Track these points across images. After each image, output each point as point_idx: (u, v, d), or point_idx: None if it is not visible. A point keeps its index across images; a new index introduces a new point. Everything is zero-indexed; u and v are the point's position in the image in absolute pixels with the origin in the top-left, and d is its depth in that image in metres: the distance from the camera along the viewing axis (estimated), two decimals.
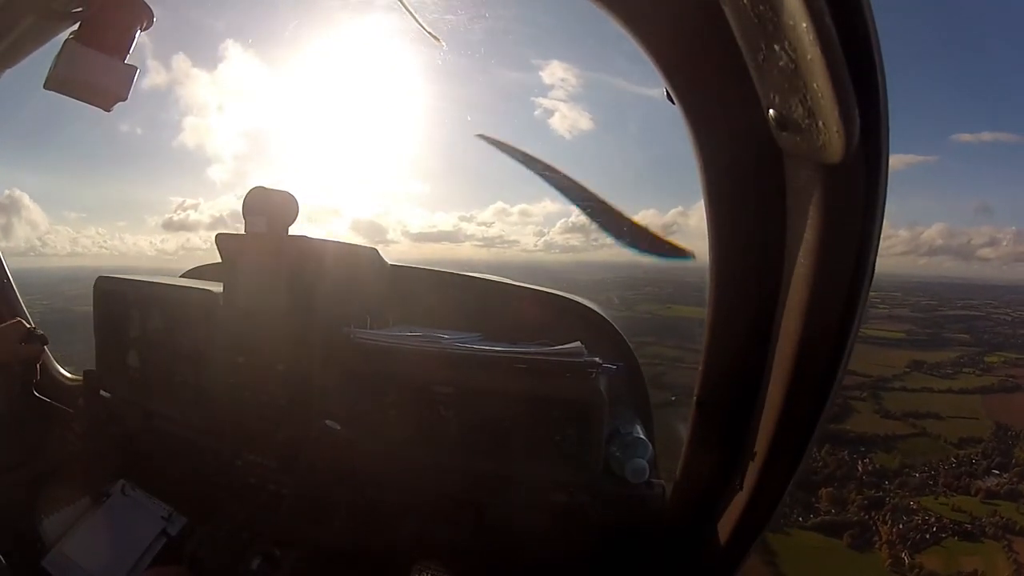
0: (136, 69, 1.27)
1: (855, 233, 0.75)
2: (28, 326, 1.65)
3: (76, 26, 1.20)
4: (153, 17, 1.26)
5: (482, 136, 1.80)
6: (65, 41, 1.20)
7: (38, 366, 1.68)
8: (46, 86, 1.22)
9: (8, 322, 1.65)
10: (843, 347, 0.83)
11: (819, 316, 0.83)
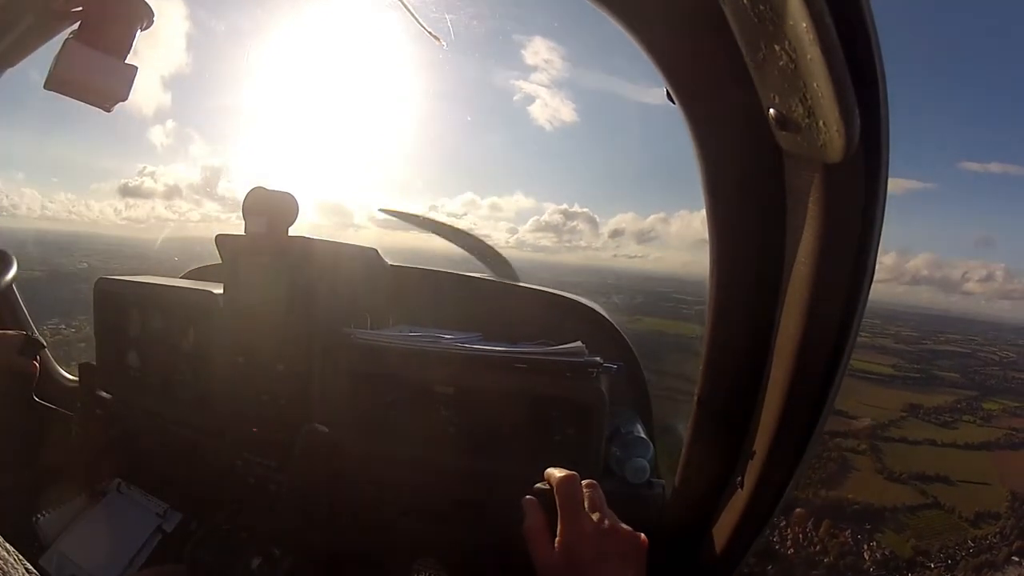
0: (136, 69, 1.27)
1: (855, 233, 0.75)
2: (26, 333, 1.65)
3: (76, 26, 1.20)
4: (153, 16, 1.26)
5: (383, 210, 1.93)
6: (65, 41, 1.20)
7: (37, 370, 1.68)
8: (46, 86, 1.22)
9: (7, 331, 1.64)
10: (843, 347, 0.84)
11: (819, 316, 0.83)
